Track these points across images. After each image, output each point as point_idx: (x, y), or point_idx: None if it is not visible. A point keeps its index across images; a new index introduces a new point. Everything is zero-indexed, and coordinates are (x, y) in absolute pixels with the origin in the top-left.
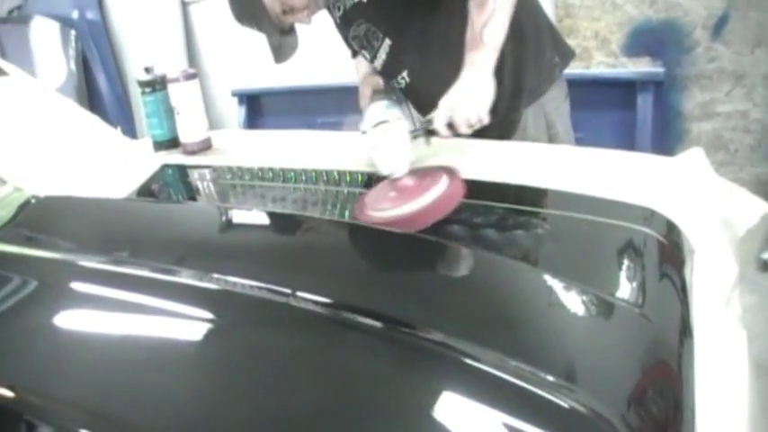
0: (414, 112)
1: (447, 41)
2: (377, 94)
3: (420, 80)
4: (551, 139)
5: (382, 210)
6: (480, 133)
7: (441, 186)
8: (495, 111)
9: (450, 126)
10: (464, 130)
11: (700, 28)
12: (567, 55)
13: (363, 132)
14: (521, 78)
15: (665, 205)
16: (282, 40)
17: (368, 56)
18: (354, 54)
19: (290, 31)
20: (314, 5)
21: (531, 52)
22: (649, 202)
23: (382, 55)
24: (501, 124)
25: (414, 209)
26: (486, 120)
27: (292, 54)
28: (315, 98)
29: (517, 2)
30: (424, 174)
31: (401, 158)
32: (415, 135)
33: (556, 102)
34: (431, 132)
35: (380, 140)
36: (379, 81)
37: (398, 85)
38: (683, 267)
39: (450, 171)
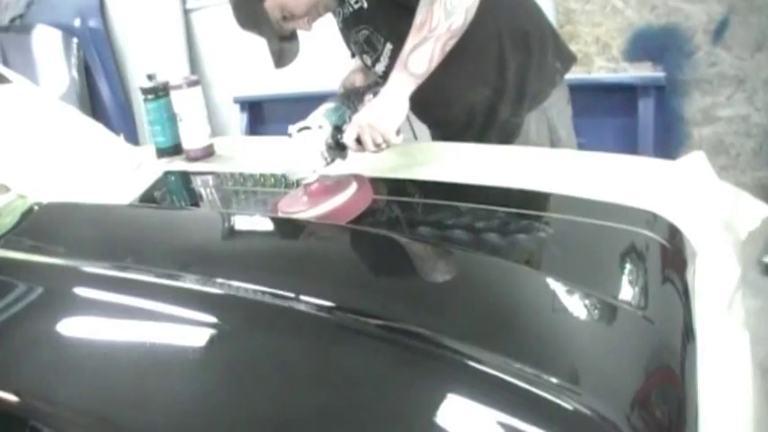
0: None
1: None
2: (336, 96)
3: (420, 88)
4: (554, 143)
5: (290, 212)
6: (483, 137)
7: (347, 192)
8: (497, 114)
9: (359, 141)
10: (370, 147)
11: (700, 33)
12: (569, 60)
13: (289, 135)
14: (524, 83)
15: (667, 208)
16: (283, 46)
17: (369, 61)
18: (353, 55)
19: (291, 36)
20: (314, 13)
21: (535, 57)
22: (651, 205)
23: (385, 59)
24: (503, 129)
25: (319, 212)
26: (393, 141)
27: (293, 60)
28: (316, 105)
29: (519, 8)
30: (335, 181)
31: (310, 165)
32: (328, 145)
33: (558, 106)
34: (342, 146)
35: (297, 146)
36: (356, 80)
37: None
38: (686, 270)
39: (359, 178)
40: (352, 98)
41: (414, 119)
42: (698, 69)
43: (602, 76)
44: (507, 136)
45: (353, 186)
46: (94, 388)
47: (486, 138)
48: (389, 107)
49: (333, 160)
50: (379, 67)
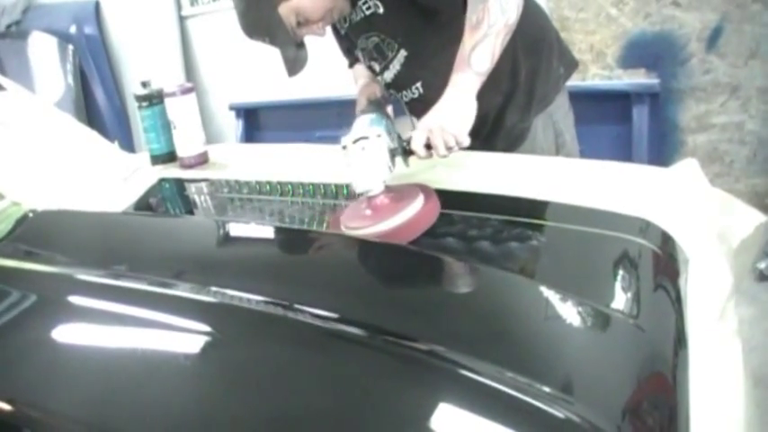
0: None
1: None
2: (368, 105)
3: (433, 92)
4: (559, 147)
5: (356, 228)
6: (490, 142)
7: (416, 205)
8: (504, 120)
9: (429, 147)
10: (441, 151)
11: (694, 40)
12: (572, 65)
13: (343, 147)
14: (533, 88)
15: (659, 216)
16: (297, 53)
17: (377, 67)
18: (352, 64)
19: (300, 44)
20: (329, 17)
21: (543, 63)
22: (644, 212)
23: (396, 66)
24: (511, 133)
25: (388, 227)
26: (465, 143)
27: (304, 67)
28: (313, 112)
29: (530, 14)
30: (399, 192)
31: (376, 176)
32: (393, 154)
33: (562, 111)
34: (409, 152)
35: (357, 157)
36: (376, 91)
37: (410, 96)
38: (678, 278)
39: (425, 189)
40: (384, 107)
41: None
42: (692, 77)
43: (597, 84)
44: (515, 140)
45: (420, 198)
46: (88, 397)
47: (494, 143)
48: (459, 108)
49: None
50: (388, 75)
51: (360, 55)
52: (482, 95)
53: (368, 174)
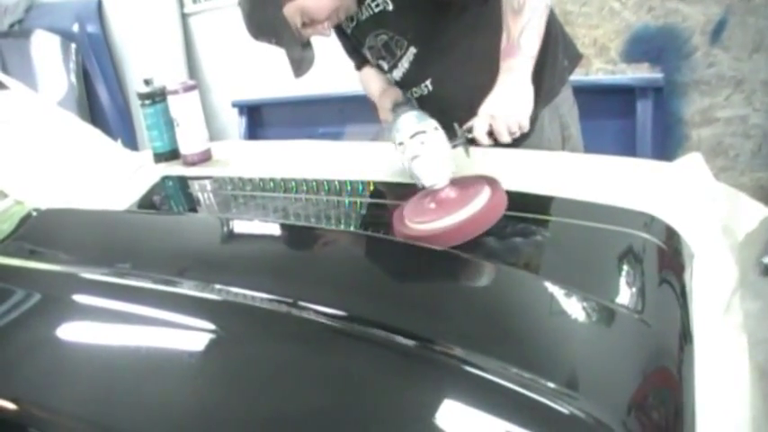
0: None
1: (472, 50)
2: (400, 105)
3: (443, 88)
4: (565, 140)
5: (423, 222)
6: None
7: (483, 198)
8: None
9: (491, 134)
10: (505, 138)
11: (698, 34)
12: (575, 58)
13: (400, 144)
14: (540, 81)
15: (664, 211)
16: (302, 54)
17: (386, 66)
18: (359, 66)
19: (306, 44)
20: (335, 17)
21: (549, 56)
22: (649, 207)
23: (405, 64)
24: None
25: (456, 221)
26: (527, 127)
27: (310, 68)
28: (315, 108)
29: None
30: (465, 184)
31: (442, 169)
32: (454, 145)
33: (568, 104)
34: (471, 141)
35: (420, 151)
36: (399, 93)
37: (419, 93)
38: (683, 273)
39: (491, 181)
40: (416, 107)
41: None
42: (696, 70)
43: (601, 78)
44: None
45: (486, 191)
46: (94, 395)
47: None
48: (518, 93)
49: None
50: (397, 74)
51: (367, 54)
52: (489, 88)
53: (433, 167)
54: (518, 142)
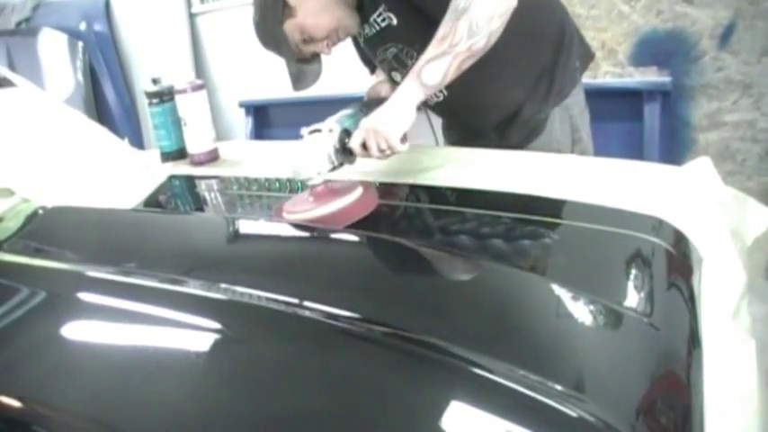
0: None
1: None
2: (356, 102)
3: (457, 95)
4: (575, 142)
5: (295, 212)
6: (507, 133)
7: (352, 197)
8: (522, 112)
9: (364, 146)
10: (374, 153)
11: (706, 38)
12: (587, 57)
13: (301, 137)
14: (552, 81)
15: (673, 214)
16: (301, 68)
17: (399, 77)
18: (373, 71)
19: (311, 58)
20: (334, 37)
21: (563, 57)
22: (657, 211)
23: None
24: (528, 124)
25: (322, 213)
26: (398, 149)
27: (315, 82)
28: (322, 109)
29: (549, 9)
30: (341, 185)
31: (318, 166)
32: (336, 149)
33: (579, 107)
34: (349, 150)
35: (306, 147)
36: (380, 91)
37: (435, 100)
38: (692, 277)
39: (367, 186)
40: (372, 107)
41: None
42: (704, 74)
43: (608, 81)
44: (532, 132)
45: (359, 190)
46: (98, 393)
47: (510, 134)
48: (396, 114)
49: (340, 164)
50: None
51: (379, 67)
52: (506, 91)
53: (311, 163)
54: (526, 142)
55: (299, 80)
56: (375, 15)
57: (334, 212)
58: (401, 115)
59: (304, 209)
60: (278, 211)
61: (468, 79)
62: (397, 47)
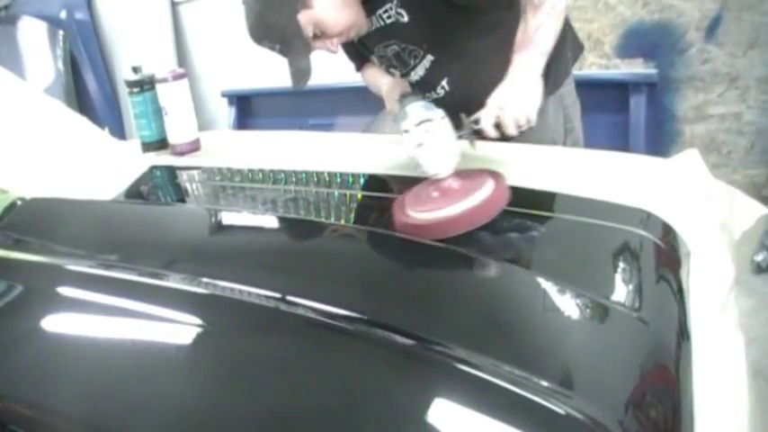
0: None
1: (489, 48)
2: (407, 95)
3: (459, 87)
4: (568, 132)
5: (424, 210)
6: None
7: (486, 190)
8: None
9: (498, 126)
10: (511, 130)
11: (693, 29)
12: (578, 49)
13: (405, 131)
14: (547, 70)
15: (661, 207)
16: (309, 64)
17: (398, 74)
18: (360, 67)
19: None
20: (346, 33)
21: (557, 46)
22: (645, 204)
23: (420, 71)
24: None
25: (458, 211)
26: (534, 121)
27: (308, 80)
28: (306, 99)
29: None
30: (468, 176)
31: (447, 158)
32: (460, 135)
33: (572, 98)
34: (477, 133)
35: (425, 139)
36: (407, 85)
37: (433, 97)
38: (680, 270)
39: (495, 174)
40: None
41: None
42: (690, 66)
43: (594, 73)
44: None
45: (490, 182)
46: (77, 389)
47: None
48: (528, 86)
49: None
50: (412, 79)
51: (376, 62)
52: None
53: (438, 155)
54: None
55: (302, 77)
56: (381, 11)
57: (468, 210)
58: (533, 86)
59: (432, 207)
60: (400, 208)
61: (470, 73)
62: (399, 45)
